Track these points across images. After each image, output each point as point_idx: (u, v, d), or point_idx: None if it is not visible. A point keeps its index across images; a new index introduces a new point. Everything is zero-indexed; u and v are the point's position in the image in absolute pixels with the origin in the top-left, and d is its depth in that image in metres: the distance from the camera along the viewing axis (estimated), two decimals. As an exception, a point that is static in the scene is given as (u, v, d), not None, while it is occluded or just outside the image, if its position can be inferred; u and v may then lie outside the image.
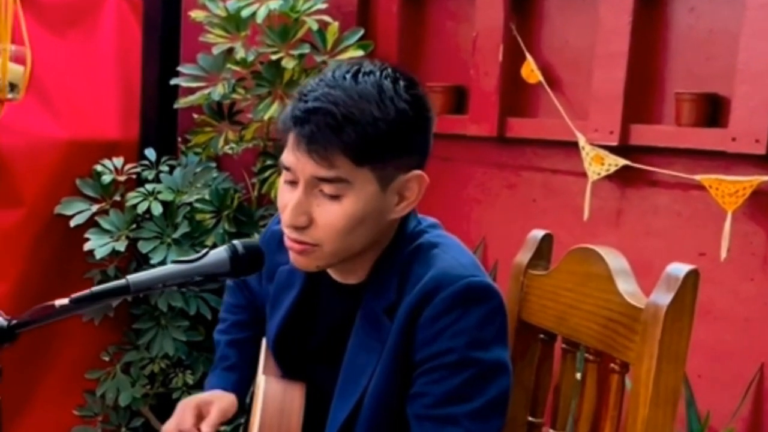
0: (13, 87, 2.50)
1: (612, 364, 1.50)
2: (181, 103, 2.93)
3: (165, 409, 2.99)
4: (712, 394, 2.28)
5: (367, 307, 1.49)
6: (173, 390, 2.94)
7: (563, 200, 2.60)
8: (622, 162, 2.36)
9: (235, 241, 1.38)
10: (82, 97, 2.95)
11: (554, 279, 1.66)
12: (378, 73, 1.40)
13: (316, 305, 1.61)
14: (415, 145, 1.43)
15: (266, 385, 1.57)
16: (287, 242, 1.46)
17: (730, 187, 2.17)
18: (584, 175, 2.44)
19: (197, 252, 2.79)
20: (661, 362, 1.36)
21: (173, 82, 2.93)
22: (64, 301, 1.26)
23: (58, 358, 3.00)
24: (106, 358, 3.01)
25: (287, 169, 1.42)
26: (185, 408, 1.64)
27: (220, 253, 1.36)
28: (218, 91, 2.82)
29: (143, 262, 2.90)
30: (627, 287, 1.48)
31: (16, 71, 2.48)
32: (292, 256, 1.47)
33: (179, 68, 2.95)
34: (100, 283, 2.92)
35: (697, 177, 2.22)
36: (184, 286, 1.36)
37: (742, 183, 2.15)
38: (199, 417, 1.63)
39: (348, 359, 1.50)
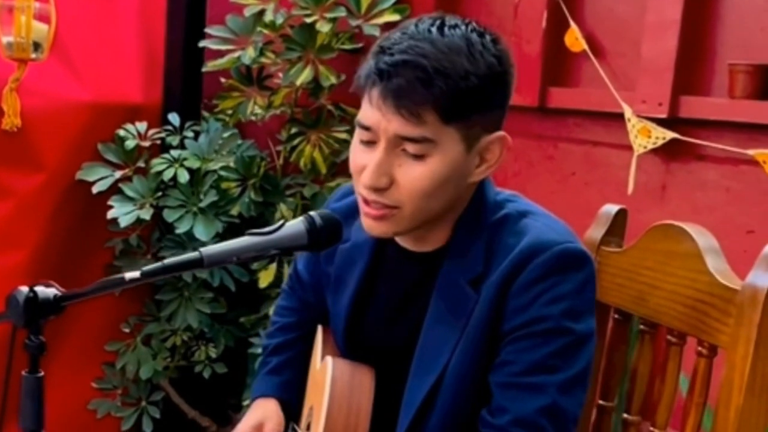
0: (37, 46, 2.40)
1: (700, 348, 1.42)
2: (210, 66, 2.83)
3: (186, 382, 2.92)
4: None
5: (448, 277, 1.41)
6: (195, 363, 2.87)
7: (605, 174, 2.51)
8: (670, 135, 2.28)
9: (312, 213, 1.32)
10: (105, 58, 2.85)
11: (632, 257, 1.59)
12: (463, 27, 1.34)
13: (384, 278, 1.53)
14: (499, 101, 1.38)
15: (334, 365, 1.49)
16: (363, 207, 1.38)
17: (785, 163, 2.09)
18: (629, 148, 2.35)
19: (221, 221, 2.72)
20: (759, 348, 1.29)
21: (202, 44, 2.83)
22: (135, 274, 1.21)
23: (76, 328, 2.89)
24: (127, 330, 2.93)
25: (366, 128, 1.34)
26: None
27: (297, 225, 1.29)
28: (249, 54, 2.73)
29: (167, 231, 2.82)
30: (719, 266, 1.40)
31: (41, 30, 2.39)
32: (366, 222, 1.39)
33: (207, 30, 2.85)
34: (122, 252, 2.86)
35: (750, 152, 2.13)
36: (259, 259, 1.32)
37: (799, 158, 2.07)
38: None
39: (425, 334, 1.42)
